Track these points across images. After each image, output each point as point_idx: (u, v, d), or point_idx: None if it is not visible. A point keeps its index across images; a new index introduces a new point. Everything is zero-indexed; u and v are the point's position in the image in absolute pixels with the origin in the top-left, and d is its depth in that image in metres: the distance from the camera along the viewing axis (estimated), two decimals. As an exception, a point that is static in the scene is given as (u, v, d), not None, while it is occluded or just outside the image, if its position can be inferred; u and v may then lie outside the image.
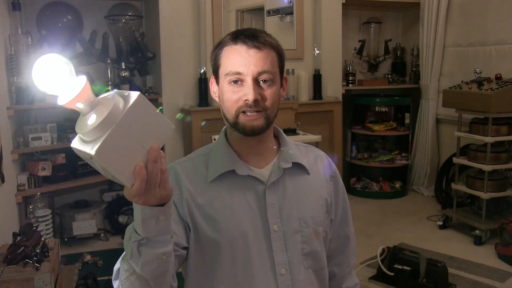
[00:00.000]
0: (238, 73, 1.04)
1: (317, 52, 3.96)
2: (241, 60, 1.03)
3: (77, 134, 0.76)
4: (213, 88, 1.13)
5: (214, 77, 1.12)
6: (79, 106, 0.72)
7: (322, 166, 1.18)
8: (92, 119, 0.72)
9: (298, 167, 1.12)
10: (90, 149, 0.70)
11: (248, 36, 1.05)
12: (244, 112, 1.04)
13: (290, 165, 1.10)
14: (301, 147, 1.19)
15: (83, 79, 0.71)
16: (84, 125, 0.72)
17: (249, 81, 1.03)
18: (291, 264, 1.06)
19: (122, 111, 0.72)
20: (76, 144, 0.75)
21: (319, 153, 1.21)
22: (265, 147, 1.12)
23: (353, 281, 1.25)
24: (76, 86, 0.71)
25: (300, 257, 1.07)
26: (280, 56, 1.10)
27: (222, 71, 1.07)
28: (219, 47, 1.09)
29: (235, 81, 1.04)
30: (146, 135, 0.76)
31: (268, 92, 1.05)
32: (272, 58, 1.06)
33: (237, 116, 1.05)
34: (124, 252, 0.89)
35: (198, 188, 1.08)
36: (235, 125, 1.06)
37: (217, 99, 1.12)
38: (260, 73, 1.04)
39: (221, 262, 1.04)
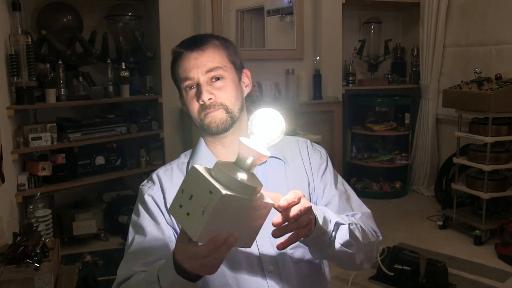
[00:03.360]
0: (189, 79, 1.07)
1: (317, 58, 3.96)
2: (188, 66, 1.07)
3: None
4: (182, 101, 1.16)
5: (178, 91, 1.16)
6: (250, 160, 0.78)
7: (301, 150, 1.19)
8: (244, 176, 0.77)
9: (275, 160, 1.13)
10: (222, 189, 0.72)
11: (190, 42, 1.10)
12: (205, 114, 1.07)
13: (266, 159, 1.11)
14: (280, 140, 1.20)
15: (269, 153, 0.81)
16: (233, 171, 0.76)
17: (199, 83, 1.07)
18: (279, 260, 1.05)
19: (257, 197, 0.78)
20: (201, 169, 0.76)
21: (298, 140, 1.22)
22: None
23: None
24: (266, 151, 0.80)
25: (287, 251, 1.06)
26: (229, 52, 1.12)
27: (179, 82, 1.12)
28: (172, 63, 1.14)
29: (191, 87, 1.08)
30: (243, 228, 0.79)
31: (222, 88, 1.08)
32: (219, 56, 1.09)
33: (201, 119, 1.08)
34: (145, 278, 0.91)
35: None
36: (202, 127, 1.09)
37: (186, 110, 1.15)
38: (208, 72, 1.07)
39: None
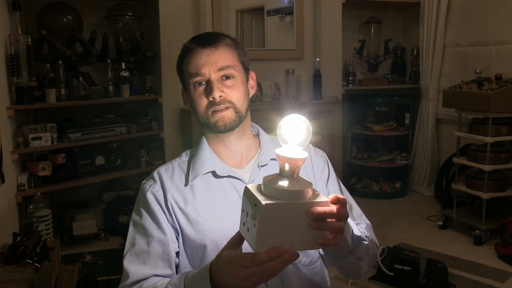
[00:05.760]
0: (200, 75, 1.07)
1: (317, 60, 3.97)
2: (200, 62, 1.07)
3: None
4: (184, 98, 1.17)
5: (183, 87, 1.16)
6: (287, 167, 0.81)
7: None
8: (284, 183, 0.79)
9: (277, 163, 1.13)
10: (263, 200, 0.76)
11: (202, 38, 1.10)
12: (214, 111, 1.07)
13: (268, 162, 1.12)
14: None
15: (305, 154, 0.82)
16: (274, 182, 0.80)
17: (210, 80, 1.07)
18: None
19: (307, 198, 0.79)
20: (252, 188, 0.81)
21: None
22: (243, 146, 1.14)
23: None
24: (301, 153, 0.82)
25: None
26: (239, 52, 1.12)
27: (187, 77, 1.10)
28: (180, 57, 1.13)
29: (200, 83, 1.08)
30: (303, 230, 0.80)
31: (233, 87, 1.08)
32: (231, 55, 1.10)
33: (207, 117, 1.08)
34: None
35: (181, 192, 1.09)
36: (207, 125, 1.09)
37: (188, 107, 1.16)
38: (220, 70, 1.07)
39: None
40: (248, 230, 0.79)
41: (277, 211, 0.76)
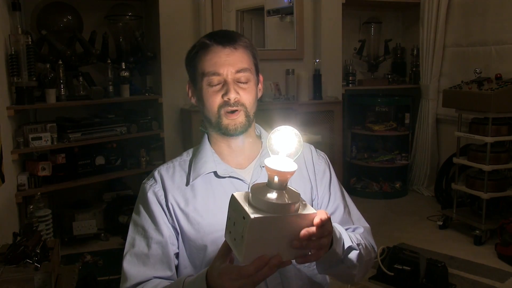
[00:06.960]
0: (217, 74, 1.06)
1: (317, 61, 3.97)
2: (218, 61, 1.06)
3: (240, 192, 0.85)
4: (190, 92, 1.15)
5: (190, 81, 1.14)
6: (276, 179, 0.80)
7: (305, 156, 1.19)
8: (273, 195, 0.79)
9: None
10: (251, 213, 0.76)
11: (222, 36, 1.08)
12: (226, 112, 1.06)
13: None
14: None
15: (295, 166, 0.81)
16: (263, 193, 0.79)
17: (228, 81, 1.05)
18: None
19: (294, 211, 0.79)
20: (239, 196, 0.81)
21: (304, 145, 1.22)
22: (246, 147, 1.13)
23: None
24: (291, 166, 0.81)
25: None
26: (254, 54, 1.12)
27: (200, 73, 1.08)
28: (194, 50, 1.11)
29: (214, 82, 1.06)
30: (289, 241, 0.81)
31: (247, 90, 1.08)
32: (248, 57, 1.09)
33: (219, 116, 1.07)
34: None
35: (181, 192, 1.09)
36: (217, 125, 1.08)
37: (194, 101, 1.14)
38: (237, 72, 1.06)
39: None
40: (235, 239, 0.79)
41: (265, 225, 0.77)
